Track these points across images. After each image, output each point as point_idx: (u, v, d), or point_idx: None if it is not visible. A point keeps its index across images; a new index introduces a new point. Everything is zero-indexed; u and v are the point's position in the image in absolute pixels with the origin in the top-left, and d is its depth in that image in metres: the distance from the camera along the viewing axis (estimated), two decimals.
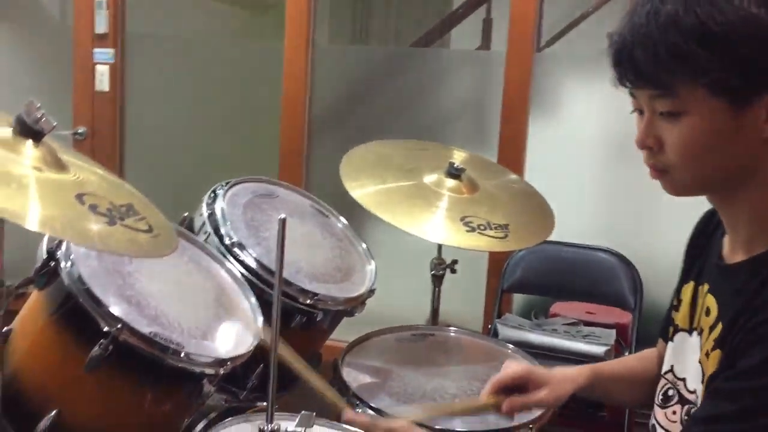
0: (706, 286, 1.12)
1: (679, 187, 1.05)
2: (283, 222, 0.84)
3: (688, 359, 1.14)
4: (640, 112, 1.05)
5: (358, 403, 1.65)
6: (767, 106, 0.95)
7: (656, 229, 2.89)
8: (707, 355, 1.05)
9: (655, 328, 2.74)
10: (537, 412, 1.67)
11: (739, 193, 1.03)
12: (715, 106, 0.96)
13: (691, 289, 1.17)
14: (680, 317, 1.18)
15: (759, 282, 0.99)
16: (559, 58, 3.08)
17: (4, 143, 1.10)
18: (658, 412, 1.18)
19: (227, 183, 1.87)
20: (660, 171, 1.05)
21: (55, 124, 1.13)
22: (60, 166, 1.14)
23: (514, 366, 1.41)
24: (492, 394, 1.39)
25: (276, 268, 0.84)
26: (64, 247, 1.37)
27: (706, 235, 1.20)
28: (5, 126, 1.13)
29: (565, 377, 1.38)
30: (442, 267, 2.12)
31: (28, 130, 1.12)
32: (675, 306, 1.23)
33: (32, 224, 0.97)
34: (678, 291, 1.22)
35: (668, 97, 0.98)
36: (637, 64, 0.98)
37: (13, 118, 1.14)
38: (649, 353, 1.42)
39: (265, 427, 0.90)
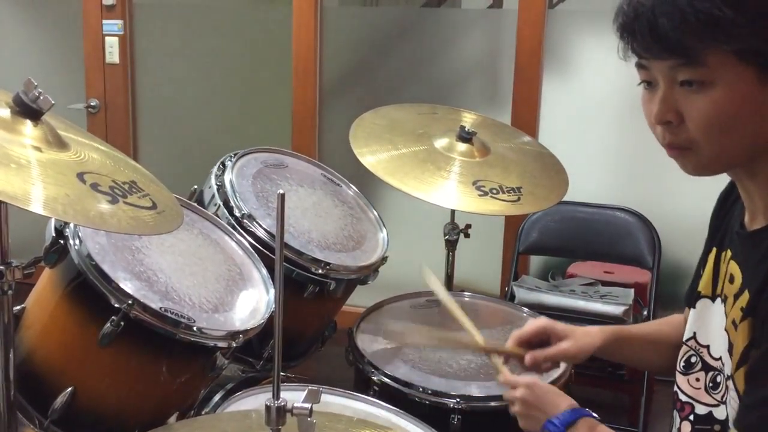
0: (729, 253, 1.08)
1: (701, 165, 0.99)
2: (281, 197, 0.82)
3: (711, 326, 1.11)
4: (648, 84, 1.00)
5: (373, 371, 1.65)
6: None
7: (674, 186, 2.84)
8: (734, 323, 1.02)
9: (674, 287, 2.72)
10: (555, 373, 1.67)
11: (759, 164, 0.99)
12: (744, 75, 0.91)
13: (713, 255, 1.15)
14: (703, 284, 1.16)
15: None
16: (573, 15, 3.01)
17: (3, 124, 1.08)
18: (680, 379, 1.16)
19: (235, 154, 1.86)
20: (680, 149, 0.98)
21: (53, 102, 1.12)
22: (60, 144, 1.13)
23: (536, 321, 1.40)
24: (515, 347, 1.38)
25: (276, 245, 0.83)
26: (72, 224, 1.38)
27: (728, 203, 1.17)
28: (4, 106, 1.12)
29: (587, 333, 1.36)
30: (455, 232, 2.10)
31: (27, 110, 1.11)
32: (700, 274, 1.20)
33: (32, 206, 0.97)
34: (703, 259, 1.19)
35: (694, 66, 0.92)
36: (659, 32, 0.92)
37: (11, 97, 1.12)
38: (677, 318, 1.37)
39: (272, 404, 0.89)
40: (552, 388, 1.28)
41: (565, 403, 1.21)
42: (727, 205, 1.16)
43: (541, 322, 1.38)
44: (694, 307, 1.17)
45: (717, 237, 1.16)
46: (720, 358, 1.08)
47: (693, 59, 0.92)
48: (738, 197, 1.12)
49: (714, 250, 1.15)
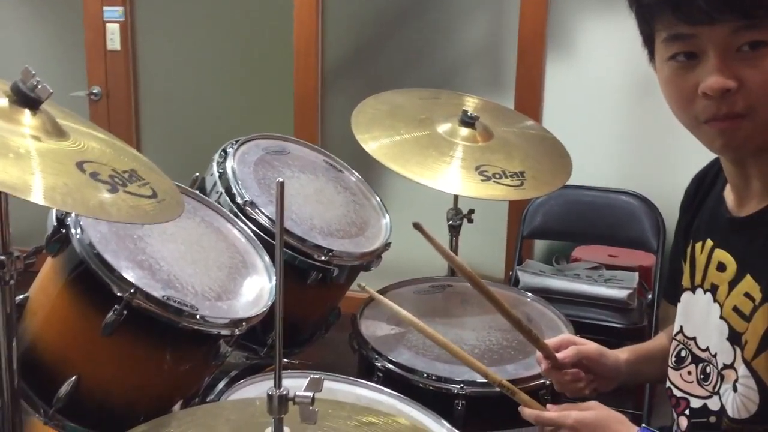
0: (709, 242, 1.08)
1: (754, 134, 0.94)
2: (280, 186, 0.82)
3: (695, 318, 1.11)
4: (689, 57, 0.94)
5: (376, 357, 1.65)
6: None
7: (678, 169, 2.80)
8: (737, 310, 1.01)
9: None
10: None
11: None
12: None
13: (689, 247, 1.15)
14: (684, 277, 1.16)
15: None
16: None
17: (2, 113, 1.08)
18: (673, 374, 1.16)
19: (237, 141, 1.85)
20: (737, 117, 0.93)
21: (51, 91, 1.11)
22: (59, 133, 1.12)
23: (560, 335, 1.37)
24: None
25: (276, 235, 0.82)
26: (73, 213, 1.37)
27: (699, 196, 1.17)
28: (2, 95, 1.11)
29: (610, 350, 1.33)
30: (458, 217, 2.10)
31: (25, 99, 1.10)
32: (679, 269, 1.19)
33: (32, 196, 0.96)
34: (683, 253, 1.17)
35: (759, 27, 0.89)
36: None
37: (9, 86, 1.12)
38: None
39: (273, 393, 0.88)
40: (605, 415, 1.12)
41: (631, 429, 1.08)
42: (698, 198, 1.17)
43: (563, 335, 1.35)
44: (679, 302, 1.17)
45: (691, 230, 1.15)
46: (707, 349, 1.08)
47: (761, 19, 0.88)
48: (712, 185, 1.12)
49: (689, 241, 1.15)
